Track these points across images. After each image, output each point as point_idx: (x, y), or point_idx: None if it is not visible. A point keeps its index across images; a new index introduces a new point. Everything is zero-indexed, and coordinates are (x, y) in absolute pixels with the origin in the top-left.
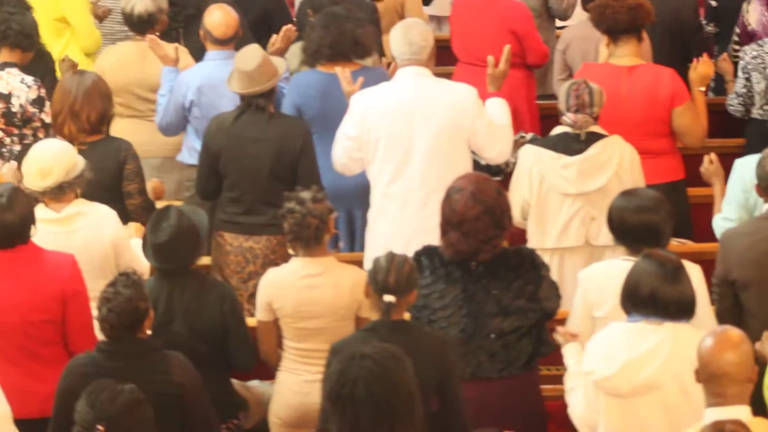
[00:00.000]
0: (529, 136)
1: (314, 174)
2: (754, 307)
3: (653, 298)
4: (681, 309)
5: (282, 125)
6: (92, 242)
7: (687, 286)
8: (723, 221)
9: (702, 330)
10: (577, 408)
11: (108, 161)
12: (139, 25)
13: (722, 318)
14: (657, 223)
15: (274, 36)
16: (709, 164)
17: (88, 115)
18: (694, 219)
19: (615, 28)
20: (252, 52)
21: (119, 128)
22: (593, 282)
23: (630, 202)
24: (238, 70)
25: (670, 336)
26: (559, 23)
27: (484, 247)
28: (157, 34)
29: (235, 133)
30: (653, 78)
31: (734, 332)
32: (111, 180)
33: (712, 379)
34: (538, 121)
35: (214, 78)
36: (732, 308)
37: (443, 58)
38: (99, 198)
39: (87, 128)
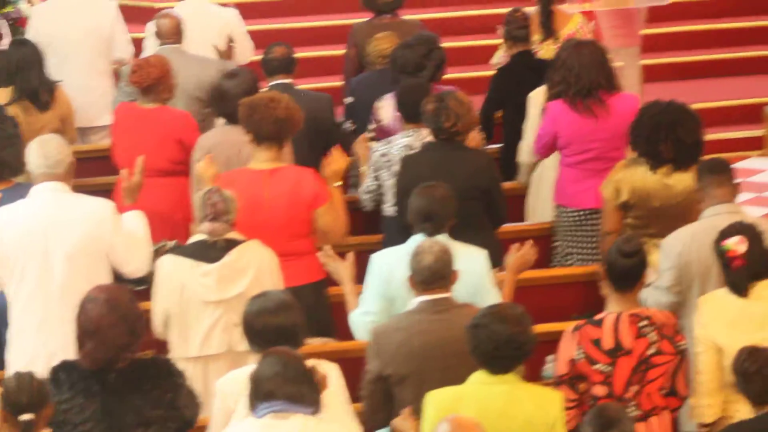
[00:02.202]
0: (170, 244)
1: None
2: (409, 401)
3: (274, 395)
4: (305, 404)
5: None
6: None
7: (306, 381)
8: (363, 315)
9: (334, 423)
10: None
11: None
12: None
13: (374, 412)
14: (288, 324)
15: None
16: (334, 262)
17: None
18: (336, 317)
19: (259, 135)
20: None
21: None
22: (231, 390)
23: (260, 306)
24: None
25: (296, 430)
26: None
27: (121, 354)
28: None
29: None
30: (295, 180)
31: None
32: None
33: None
34: None
35: None
36: (384, 402)
37: (104, 169)
38: None
39: None
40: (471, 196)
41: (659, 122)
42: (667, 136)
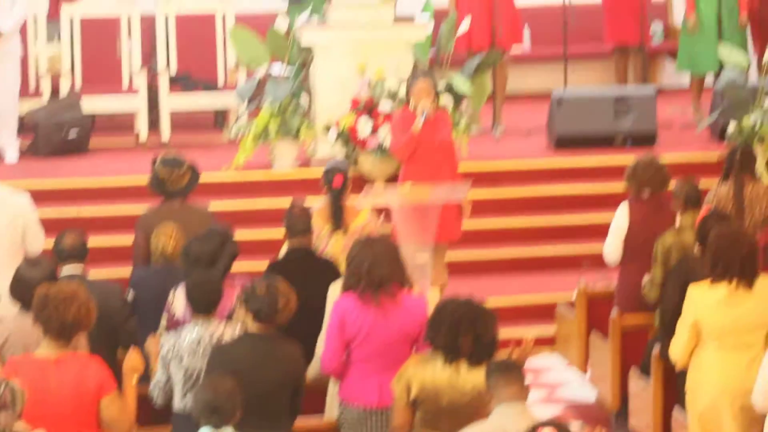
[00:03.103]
0: None
1: None
2: None
3: None
4: None
5: None
6: None
7: None
8: None
9: None
10: None
11: None
12: None
13: None
14: None
15: None
16: None
17: None
18: None
19: (45, 329)
20: None
21: None
22: None
23: None
24: None
25: None
26: None
27: None
28: None
29: None
30: (80, 368)
31: None
32: None
33: None
34: None
35: None
36: None
37: None
38: None
39: None
40: (284, 386)
41: (461, 317)
42: (468, 330)
